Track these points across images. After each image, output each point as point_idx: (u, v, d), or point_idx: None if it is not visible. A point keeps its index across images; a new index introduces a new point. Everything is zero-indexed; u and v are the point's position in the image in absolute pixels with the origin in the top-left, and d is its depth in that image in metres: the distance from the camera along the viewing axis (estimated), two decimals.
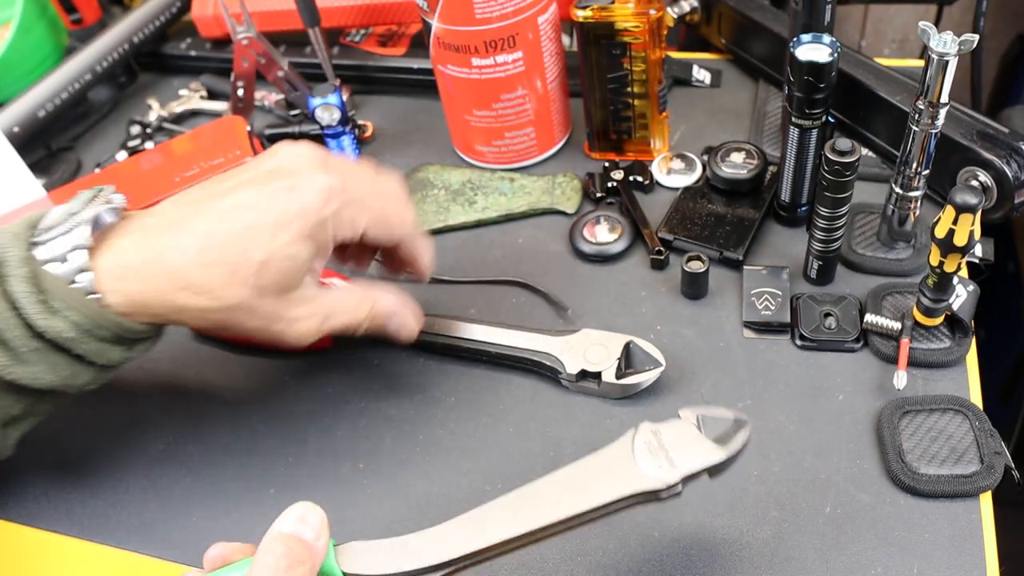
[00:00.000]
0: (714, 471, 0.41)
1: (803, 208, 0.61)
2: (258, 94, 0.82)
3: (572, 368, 0.53)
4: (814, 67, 0.52)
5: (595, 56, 0.63)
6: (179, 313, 0.45)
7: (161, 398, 0.59)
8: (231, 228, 0.44)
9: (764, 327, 0.56)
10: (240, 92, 0.77)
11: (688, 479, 0.40)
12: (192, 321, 0.46)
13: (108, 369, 0.47)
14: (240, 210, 0.45)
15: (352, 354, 0.59)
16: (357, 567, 0.39)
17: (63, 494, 0.54)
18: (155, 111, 0.84)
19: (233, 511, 0.52)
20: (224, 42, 0.87)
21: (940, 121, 0.50)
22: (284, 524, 0.38)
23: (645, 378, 0.53)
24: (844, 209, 0.53)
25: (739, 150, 0.64)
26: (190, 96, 0.86)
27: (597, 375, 0.53)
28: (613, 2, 0.61)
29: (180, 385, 0.59)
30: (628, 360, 0.54)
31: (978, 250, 0.57)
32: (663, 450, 0.41)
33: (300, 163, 0.47)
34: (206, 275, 0.44)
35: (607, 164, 0.68)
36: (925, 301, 0.51)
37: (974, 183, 0.56)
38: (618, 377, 0.53)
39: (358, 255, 0.55)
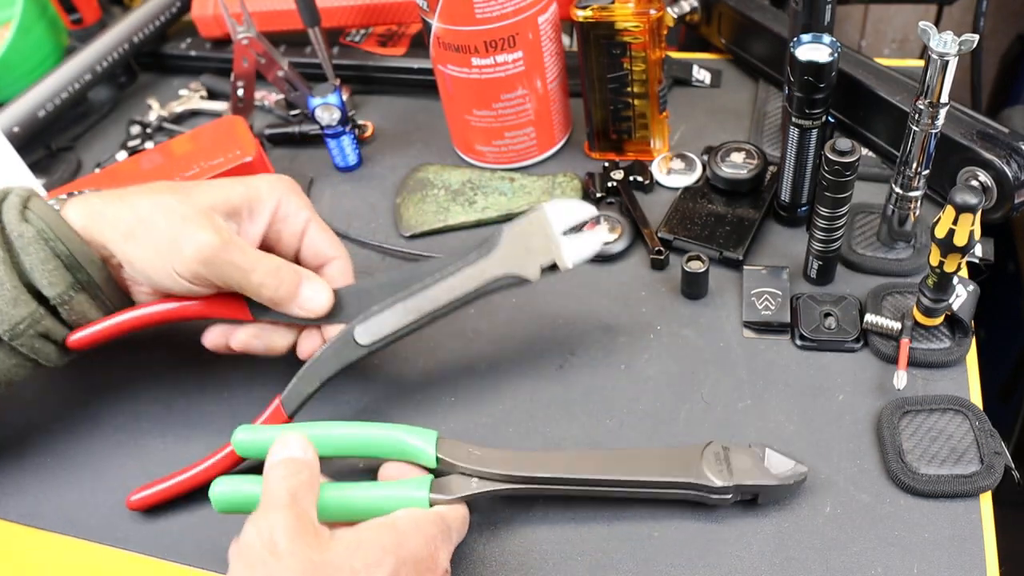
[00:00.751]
0: (764, 495, 0.47)
1: (803, 208, 0.61)
2: (258, 94, 0.82)
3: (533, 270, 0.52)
4: (814, 67, 0.52)
5: (595, 56, 0.63)
6: (112, 214, 0.50)
7: (160, 397, 0.59)
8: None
9: (764, 327, 0.56)
10: (240, 92, 0.77)
11: (740, 489, 0.47)
12: (116, 231, 0.49)
13: (38, 324, 0.49)
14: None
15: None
16: (452, 456, 0.48)
17: (63, 494, 0.54)
18: (155, 111, 0.84)
19: None
20: (224, 42, 0.87)
21: (940, 121, 0.50)
22: (271, 458, 0.43)
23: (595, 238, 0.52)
24: (844, 209, 0.53)
25: (739, 150, 0.64)
26: (190, 96, 0.86)
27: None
28: (613, 2, 0.61)
29: (179, 385, 0.59)
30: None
31: (978, 250, 0.57)
32: (726, 462, 0.47)
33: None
34: (145, 187, 0.52)
35: (607, 164, 0.68)
36: (925, 301, 0.51)
37: (974, 183, 0.56)
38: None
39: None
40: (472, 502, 0.48)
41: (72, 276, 0.49)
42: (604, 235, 0.53)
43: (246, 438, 0.49)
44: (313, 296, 0.51)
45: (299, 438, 0.44)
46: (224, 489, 0.46)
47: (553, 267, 0.51)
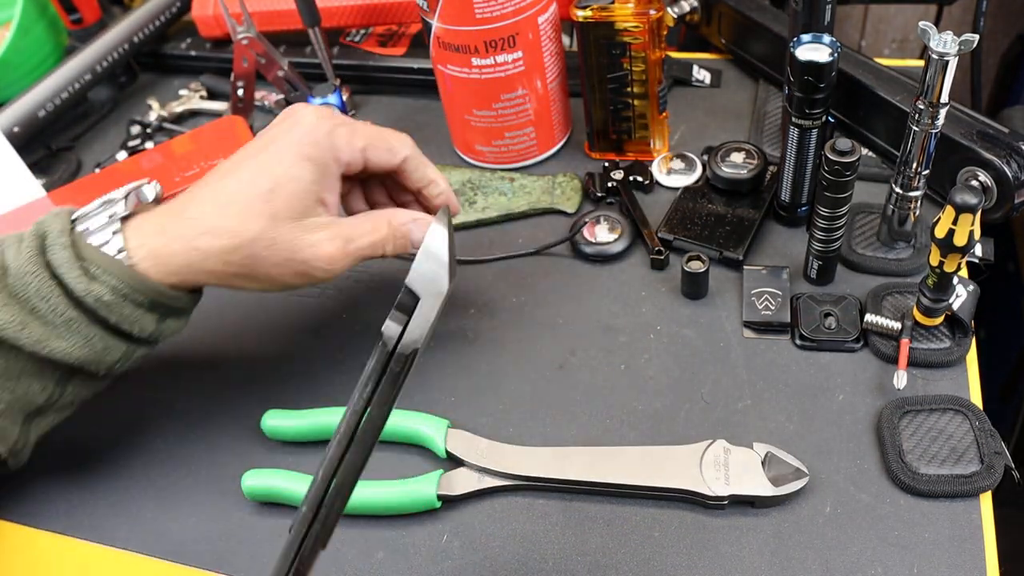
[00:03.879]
0: (760, 503, 0.48)
1: (803, 208, 0.61)
2: (258, 94, 0.82)
3: None
4: (814, 67, 0.52)
5: (595, 56, 0.63)
6: (203, 261, 0.47)
7: (161, 398, 0.59)
8: (240, 173, 0.48)
9: (764, 327, 0.56)
10: (240, 92, 0.77)
11: (735, 499, 0.47)
12: (217, 269, 0.48)
13: (139, 344, 0.48)
14: (246, 159, 0.49)
15: (354, 355, 0.59)
16: (458, 450, 0.50)
17: (63, 494, 0.54)
18: (155, 111, 0.84)
19: (234, 511, 0.52)
20: (224, 42, 0.87)
21: (940, 121, 0.50)
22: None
23: None
24: (844, 209, 0.53)
25: (739, 150, 0.64)
26: (190, 96, 0.86)
27: None
28: (613, 2, 0.61)
29: (180, 385, 0.59)
30: None
31: (978, 250, 0.57)
32: (725, 467, 0.48)
33: (297, 109, 0.51)
34: (222, 215, 0.47)
35: (607, 164, 0.68)
36: (925, 301, 0.51)
37: (974, 183, 0.56)
38: None
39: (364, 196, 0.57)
40: (477, 498, 0.50)
41: (158, 314, 0.48)
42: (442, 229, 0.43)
43: (256, 484, 0.51)
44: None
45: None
46: (254, 483, 0.50)
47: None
